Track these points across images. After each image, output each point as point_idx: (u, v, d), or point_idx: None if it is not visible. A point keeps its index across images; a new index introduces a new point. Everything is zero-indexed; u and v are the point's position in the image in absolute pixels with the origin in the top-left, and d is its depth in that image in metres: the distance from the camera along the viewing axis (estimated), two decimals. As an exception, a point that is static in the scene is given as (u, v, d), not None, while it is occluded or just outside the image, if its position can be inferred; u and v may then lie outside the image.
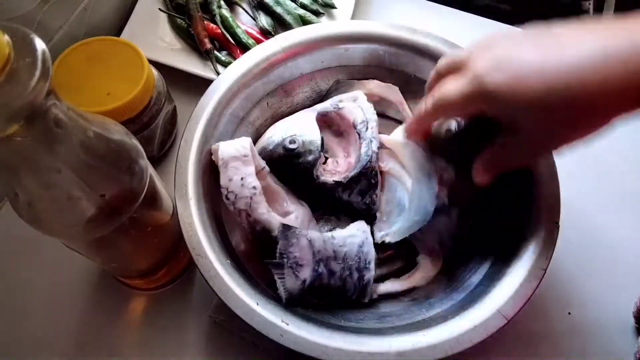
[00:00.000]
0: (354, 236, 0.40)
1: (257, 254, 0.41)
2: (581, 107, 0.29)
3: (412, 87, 0.47)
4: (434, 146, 0.41)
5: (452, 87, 0.34)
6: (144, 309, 0.45)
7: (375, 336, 0.35)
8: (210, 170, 0.40)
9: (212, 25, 0.57)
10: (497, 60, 0.31)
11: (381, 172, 0.43)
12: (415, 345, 0.34)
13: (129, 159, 0.32)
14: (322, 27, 0.47)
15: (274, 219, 0.39)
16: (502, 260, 0.39)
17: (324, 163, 0.43)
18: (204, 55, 0.56)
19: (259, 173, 0.41)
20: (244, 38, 0.57)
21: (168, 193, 0.41)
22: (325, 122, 0.44)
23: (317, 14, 0.60)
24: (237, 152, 0.39)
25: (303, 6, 0.60)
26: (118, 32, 0.57)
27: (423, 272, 0.42)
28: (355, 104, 0.44)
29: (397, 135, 0.43)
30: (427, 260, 0.42)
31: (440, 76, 0.37)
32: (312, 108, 0.45)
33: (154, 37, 0.57)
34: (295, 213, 0.42)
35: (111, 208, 0.31)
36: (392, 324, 0.39)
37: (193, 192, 0.38)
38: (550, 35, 0.31)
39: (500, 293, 0.36)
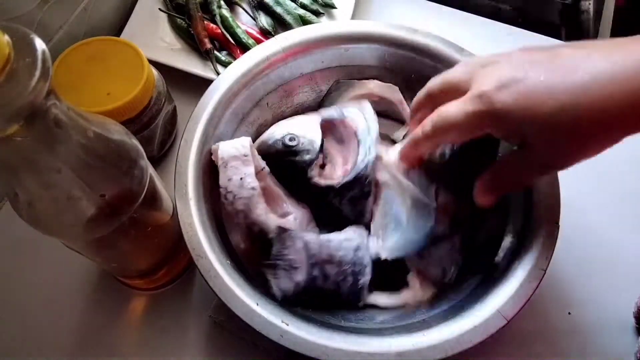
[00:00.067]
0: (350, 240, 0.40)
1: (256, 254, 0.41)
2: (590, 126, 0.28)
3: (412, 87, 0.47)
4: (429, 173, 0.40)
5: (454, 108, 0.32)
6: (144, 309, 0.45)
7: (375, 336, 0.35)
8: (210, 171, 0.40)
9: (212, 25, 0.57)
10: (505, 79, 0.30)
11: (377, 184, 0.42)
12: (415, 345, 0.34)
13: (129, 159, 0.32)
14: (322, 27, 0.47)
15: (272, 221, 0.39)
16: (502, 260, 0.39)
17: (322, 168, 0.43)
18: (204, 55, 0.56)
19: (258, 173, 0.41)
20: (244, 38, 0.57)
21: (168, 193, 0.41)
22: (329, 128, 0.44)
23: (317, 14, 0.60)
24: (237, 152, 0.39)
25: (303, 6, 0.60)
26: (118, 32, 0.57)
27: (413, 293, 0.41)
28: (359, 113, 0.44)
29: (395, 154, 0.42)
30: (416, 283, 0.41)
31: (432, 97, 0.36)
32: (318, 112, 0.45)
33: (154, 37, 0.57)
34: (294, 214, 0.41)
35: (111, 208, 0.31)
36: (392, 324, 0.39)
37: (193, 192, 0.38)
38: (554, 55, 0.31)
39: (500, 293, 0.36)
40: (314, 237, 0.39)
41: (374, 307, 0.40)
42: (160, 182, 0.38)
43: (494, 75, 0.31)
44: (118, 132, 0.31)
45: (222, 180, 0.39)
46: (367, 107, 0.44)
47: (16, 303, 0.45)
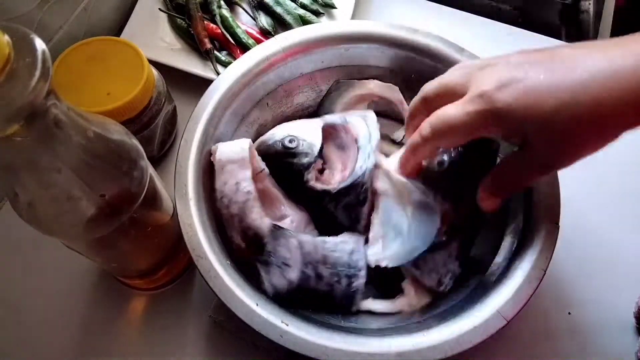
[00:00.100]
0: (345, 242, 0.40)
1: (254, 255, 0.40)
2: (590, 122, 0.29)
3: (412, 87, 0.47)
4: (428, 182, 0.39)
5: (454, 109, 0.32)
6: (144, 309, 0.45)
7: (375, 336, 0.35)
8: (210, 171, 0.40)
9: (212, 25, 0.57)
10: (505, 79, 0.30)
11: (375, 192, 0.42)
12: (415, 345, 0.34)
13: (129, 159, 0.32)
14: (322, 27, 0.47)
15: (266, 225, 0.38)
16: (502, 261, 0.39)
17: (321, 173, 0.43)
18: (204, 55, 0.56)
19: (257, 175, 0.41)
20: (244, 38, 0.57)
21: (168, 193, 0.41)
22: (331, 133, 0.44)
23: (317, 14, 0.60)
24: (234, 155, 0.39)
25: (303, 6, 0.60)
26: (118, 32, 0.57)
27: (408, 300, 0.40)
28: (362, 120, 0.44)
29: (395, 161, 0.41)
30: (411, 290, 0.40)
31: (428, 102, 0.35)
32: (321, 117, 0.45)
33: (154, 37, 0.57)
34: (291, 217, 0.41)
35: (111, 208, 0.31)
36: (392, 324, 0.39)
37: (193, 193, 0.38)
38: (553, 55, 0.31)
39: (500, 293, 0.36)
40: (308, 237, 0.39)
41: (369, 313, 0.40)
42: (160, 182, 0.38)
43: (493, 76, 0.31)
44: (118, 132, 0.31)
45: (218, 184, 0.39)
46: (371, 116, 0.44)
47: (16, 303, 0.45)
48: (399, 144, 0.51)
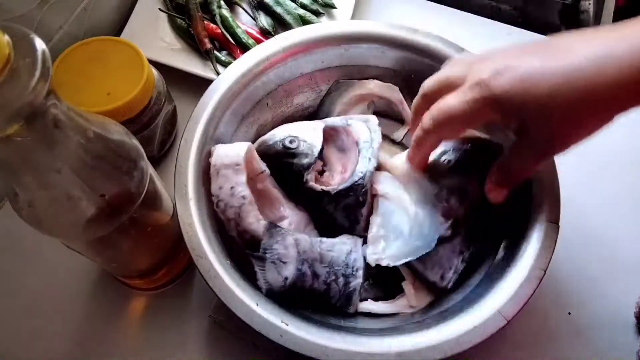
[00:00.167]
0: (343, 243, 0.40)
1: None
2: (585, 105, 0.29)
3: (412, 87, 0.47)
4: (434, 177, 0.40)
5: (452, 99, 0.33)
6: (144, 309, 0.45)
7: (375, 336, 0.35)
8: (210, 171, 0.40)
9: (212, 25, 0.57)
10: (500, 67, 0.31)
11: (375, 195, 0.42)
12: (415, 345, 0.34)
13: (129, 159, 0.32)
14: (322, 27, 0.47)
15: (263, 229, 0.38)
16: (502, 260, 0.39)
17: (321, 175, 0.43)
18: (204, 55, 0.56)
19: (258, 176, 0.41)
20: (244, 38, 0.57)
21: (168, 193, 0.41)
22: (332, 135, 0.44)
23: (317, 14, 0.60)
24: (229, 160, 0.39)
25: (303, 6, 0.60)
26: (118, 32, 0.57)
27: (408, 301, 0.40)
28: (364, 124, 0.44)
29: (400, 160, 0.42)
30: (411, 290, 0.40)
31: (429, 98, 0.36)
32: (322, 120, 0.45)
33: (154, 37, 0.57)
34: (289, 219, 0.41)
35: (111, 208, 0.31)
36: (392, 324, 0.39)
37: (193, 193, 0.38)
38: (549, 45, 0.31)
39: (500, 293, 0.36)
40: (305, 236, 0.39)
41: (367, 314, 0.40)
42: (160, 182, 0.38)
43: (489, 66, 0.32)
44: (118, 132, 0.31)
45: (214, 188, 0.39)
46: (373, 119, 0.44)
47: (16, 303, 0.45)
48: (399, 144, 0.51)
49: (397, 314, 0.40)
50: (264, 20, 0.59)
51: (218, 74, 0.54)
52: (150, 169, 0.35)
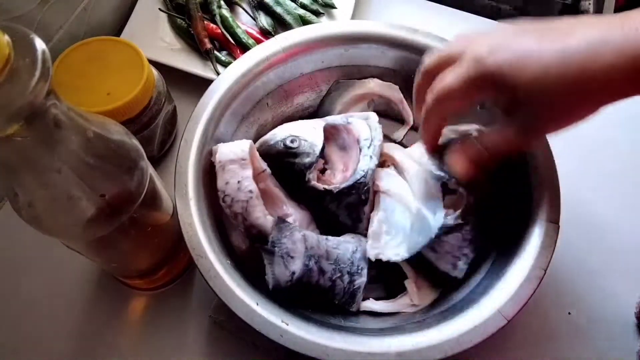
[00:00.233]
0: (348, 242, 0.40)
1: (257, 255, 0.41)
2: (576, 87, 0.29)
3: (412, 87, 0.47)
4: (443, 167, 0.41)
5: (450, 75, 0.33)
6: (144, 309, 0.45)
7: (375, 336, 0.35)
8: (210, 171, 0.40)
9: (212, 25, 0.57)
10: (497, 44, 0.31)
11: (376, 191, 0.42)
12: (415, 345, 0.34)
13: (129, 159, 0.32)
14: (322, 27, 0.47)
15: (270, 223, 0.39)
16: (502, 260, 0.39)
17: (323, 173, 0.43)
18: (204, 55, 0.56)
19: (259, 175, 0.41)
20: (244, 38, 0.57)
21: (168, 193, 0.41)
22: (333, 134, 0.44)
23: (317, 14, 0.60)
24: (234, 155, 0.39)
25: (303, 6, 0.60)
26: (118, 32, 0.57)
27: (409, 300, 0.41)
28: (364, 122, 0.44)
29: (415, 151, 0.43)
30: (414, 288, 0.41)
31: (431, 74, 0.36)
32: (323, 119, 0.45)
33: (154, 37, 0.57)
34: (292, 217, 0.41)
35: (111, 208, 0.31)
36: (393, 324, 0.39)
37: (193, 192, 0.38)
38: (547, 27, 0.31)
39: (500, 293, 0.36)
40: (312, 233, 0.39)
41: (369, 313, 0.40)
42: (160, 182, 0.38)
43: (486, 42, 0.32)
44: (118, 132, 0.31)
45: (220, 184, 0.39)
46: (373, 117, 0.45)
47: (16, 303, 0.45)
48: (399, 143, 0.51)
49: (398, 314, 0.40)
50: (264, 20, 0.59)
51: (218, 74, 0.54)
52: (150, 169, 0.35)
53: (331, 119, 0.45)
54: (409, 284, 0.41)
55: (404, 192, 0.41)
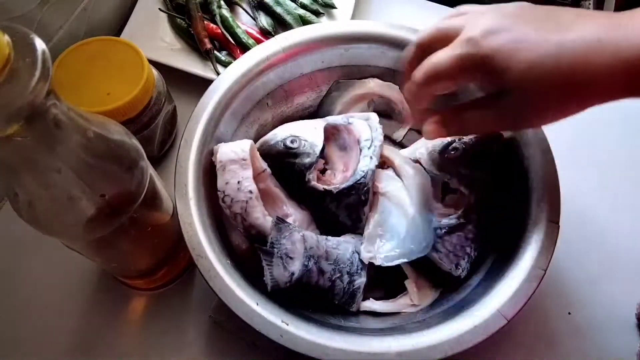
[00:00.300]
0: (348, 242, 0.40)
1: (256, 255, 0.41)
2: (567, 85, 0.29)
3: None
4: (444, 167, 0.41)
5: (443, 53, 0.33)
6: (144, 309, 0.45)
7: (376, 336, 0.35)
8: (210, 171, 0.40)
9: (212, 25, 0.57)
10: (494, 27, 0.31)
11: (376, 193, 0.42)
12: (415, 345, 0.34)
13: (129, 159, 0.32)
14: (322, 27, 0.47)
15: (269, 224, 0.39)
16: (502, 260, 0.39)
17: (323, 174, 0.43)
18: (204, 55, 0.56)
19: (259, 175, 0.41)
20: (244, 38, 0.57)
21: (168, 193, 0.41)
22: (333, 134, 0.44)
23: (317, 14, 0.60)
24: (235, 156, 0.39)
25: (303, 6, 0.60)
26: (118, 32, 0.57)
27: (410, 300, 0.41)
28: (365, 122, 0.44)
29: (419, 147, 0.43)
30: (414, 288, 0.41)
31: (423, 48, 0.35)
32: (324, 119, 0.45)
33: (154, 37, 0.57)
34: (293, 217, 0.41)
35: (111, 208, 0.31)
36: (393, 324, 0.39)
37: (193, 192, 0.38)
38: (548, 16, 0.31)
39: (500, 293, 0.36)
40: (312, 234, 0.39)
41: (369, 313, 0.40)
42: (160, 182, 0.38)
43: (483, 24, 0.31)
44: (118, 132, 0.31)
45: (220, 184, 0.39)
46: (374, 117, 0.45)
47: (16, 303, 0.45)
48: (399, 143, 0.51)
49: (398, 314, 0.40)
50: (264, 20, 0.59)
51: (218, 74, 0.54)
52: (150, 169, 0.35)
53: (332, 119, 0.45)
54: (409, 284, 0.41)
55: (402, 196, 0.41)
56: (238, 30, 0.57)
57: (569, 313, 0.45)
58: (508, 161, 0.42)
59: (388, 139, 0.51)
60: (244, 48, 0.56)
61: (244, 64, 0.44)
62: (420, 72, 0.34)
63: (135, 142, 0.33)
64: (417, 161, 0.44)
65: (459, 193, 0.42)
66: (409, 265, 0.41)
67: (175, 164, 0.39)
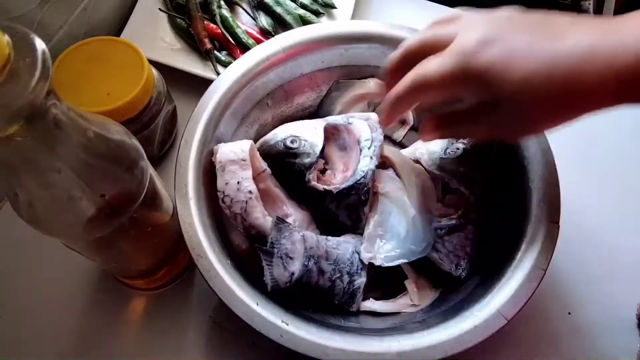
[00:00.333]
0: (348, 242, 0.40)
1: (256, 255, 0.41)
2: (562, 95, 0.29)
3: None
4: (445, 167, 0.42)
5: (434, 65, 0.32)
6: (144, 309, 0.45)
7: (376, 336, 0.35)
8: (210, 171, 0.40)
9: (212, 25, 0.57)
10: (487, 39, 0.30)
11: (376, 193, 0.42)
12: (415, 345, 0.34)
13: (129, 159, 0.32)
14: (322, 27, 0.47)
15: (269, 224, 0.39)
16: (502, 260, 0.39)
17: (323, 174, 0.43)
18: (204, 55, 0.56)
19: (259, 175, 0.41)
20: (244, 38, 0.57)
21: (168, 193, 0.41)
22: (333, 134, 0.44)
23: (317, 14, 0.60)
24: (235, 156, 0.39)
25: (303, 6, 0.60)
26: (118, 32, 0.57)
27: (410, 300, 0.41)
28: (365, 122, 0.44)
29: (419, 147, 0.44)
30: (414, 288, 0.41)
31: (411, 55, 0.34)
32: (324, 119, 0.45)
33: (154, 37, 0.57)
34: (293, 217, 0.41)
35: (111, 208, 0.31)
36: (393, 324, 0.39)
37: (193, 192, 0.38)
38: (541, 24, 0.31)
39: (500, 293, 0.36)
40: (312, 234, 0.39)
41: (369, 313, 0.40)
42: (160, 182, 0.38)
43: (476, 35, 0.31)
44: (118, 132, 0.31)
45: (220, 184, 0.39)
46: (374, 117, 0.45)
47: (16, 303, 0.45)
48: (399, 143, 0.51)
49: (398, 314, 0.40)
50: (264, 20, 0.59)
51: (218, 74, 0.54)
52: (150, 169, 0.35)
53: (332, 119, 0.45)
54: (409, 284, 0.41)
55: (402, 196, 0.41)
56: (238, 30, 0.57)
57: (569, 313, 0.45)
58: (508, 161, 0.42)
59: (388, 139, 0.51)
60: (244, 48, 0.56)
61: (244, 64, 0.44)
62: (408, 80, 0.33)
63: (135, 142, 0.33)
64: (417, 161, 0.44)
65: (459, 193, 0.42)
66: (409, 265, 0.41)
67: (175, 164, 0.39)
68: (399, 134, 0.51)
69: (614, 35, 0.28)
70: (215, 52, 0.56)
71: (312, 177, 0.41)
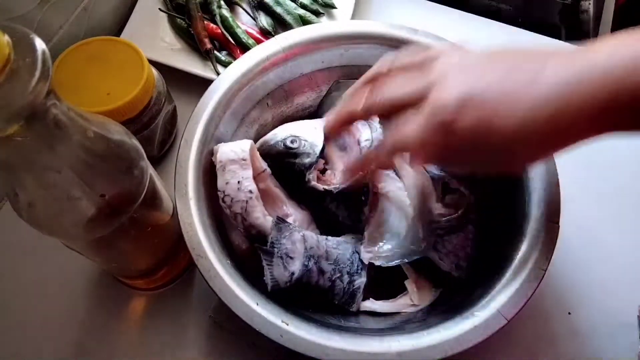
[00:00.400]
0: (348, 242, 0.40)
1: (256, 255, 0.41)
2: (549, 138, 0.28)
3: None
4: (444, 169, 0.41)
5: (412, 129, 0.31)
6: (144, 309, 0.45)
7: (375, 336, 0.35)
8: (210, 171, 0.40)
9: (212, 25, 0.57)
10: (464, 95, 0.29)
11: (376, 194, 0.42)
12: (415, 345, 0.34)
13: (129, 159, 0.32)
14: (322, 27, 0.47)
15: (269, 224, 0.39)
16: (502, 260, 0.39)
17: (322, 174, 0.43)
18: (204, 55, 0.56)
19: (259, 175, 0.41)
20: (244, 38, 0.57)
21: (168, 193, 0.41)
22: None
23: (317, 14, 0.60)
24: (235, 156, 0.39)
25: (303, 6, 0.60)
26: (118, 32, 0.57)
27: (410, 300, 0.41)
28: (365, 122, 0.44)
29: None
30: (414, 289, 0.41)
31: (381, 77, 0.34)
32: (324, 118, 0.45)
33: (154, 37, 0.57)
34: (293, 217, 0.41)
35: (111, 208, 0.31)
36: (393, 324, 0.39)
37: (193, 192, 0.38)
38: (519, 61, 0.30)
39: (500, 293, 0.36)
40: (312, 233, 0.39)
41: (369, 313, 0.40)
42: (160, 182, 0.38)
43: (453, 92, 0.29)
44: (118, 132, 0.31)
45: (220, 184, 0.39)
46: (374, 118, 0.45)
47: (16, 303, 0.45)
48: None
49: (398, 314, 0.40)
50: (264, 20, 0.59)
51: (218, 74, 0.54)
52: (150, 169, 0.35)
53: None
54: (409, 284, 0.41)
55: (402, 196, 0.41)
56: (238, 30, 0.57)
57: (569, 313, 0.45)
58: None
59: (388, 139, 0.51)
60: (244, 48, 0.56)
61: (244, 64, 0.44)
62: (388, 145, 0.33)
63: (135, 142, 0.33)
64: None
65: (459, 193, 0.42)
66: (409, 265, 0.41)
67: (175, 164, 0.39)
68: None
69: (591, 63, 0.27)
70: (215, 52, 0.56)
71: (312, 177, 0.41)
